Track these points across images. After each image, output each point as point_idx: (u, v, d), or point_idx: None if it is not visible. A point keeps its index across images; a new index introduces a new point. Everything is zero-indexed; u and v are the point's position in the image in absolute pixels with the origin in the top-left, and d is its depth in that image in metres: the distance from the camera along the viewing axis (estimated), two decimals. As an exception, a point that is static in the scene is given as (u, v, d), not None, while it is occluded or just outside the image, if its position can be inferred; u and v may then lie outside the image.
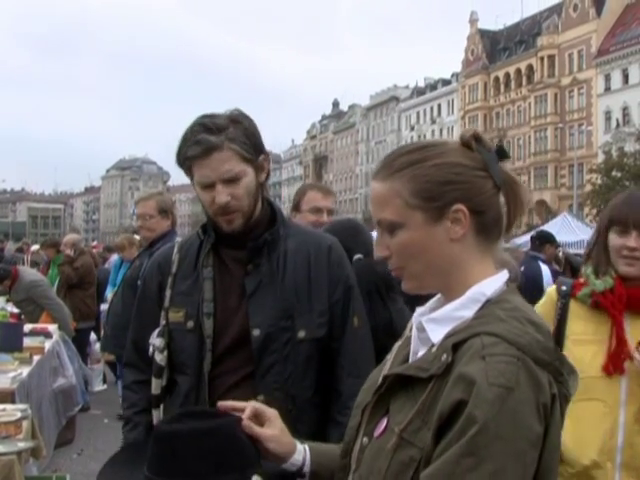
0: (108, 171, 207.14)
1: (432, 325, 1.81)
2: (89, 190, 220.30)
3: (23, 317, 9.57)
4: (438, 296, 1.93)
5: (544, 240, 10.27)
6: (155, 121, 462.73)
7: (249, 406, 2.08)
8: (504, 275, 1.86)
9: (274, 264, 2.86)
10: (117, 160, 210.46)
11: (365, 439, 1.86)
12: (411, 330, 1.97)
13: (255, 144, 2.80)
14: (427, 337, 1.81)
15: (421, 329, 1.84)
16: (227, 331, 2.83)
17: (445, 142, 1.88)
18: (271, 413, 2.11)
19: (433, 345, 1.78)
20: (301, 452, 2.12)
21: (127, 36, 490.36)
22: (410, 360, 1.89)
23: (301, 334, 2.80)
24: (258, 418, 2.08)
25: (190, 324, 2.85)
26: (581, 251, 25.03)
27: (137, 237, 12.06)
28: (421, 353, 1.84)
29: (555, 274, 9.51)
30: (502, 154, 1.88)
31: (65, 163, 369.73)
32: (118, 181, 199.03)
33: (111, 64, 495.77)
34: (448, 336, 1.74)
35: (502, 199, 1.85)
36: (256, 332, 2.77)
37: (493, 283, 1.82)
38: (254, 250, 2.85)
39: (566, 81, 79.35)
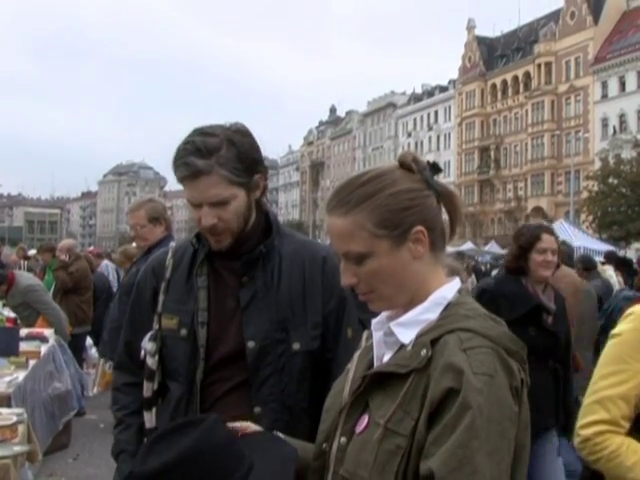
0: (105, 176, 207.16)
1: (400, 329, 1.98)
2: (86, 195, 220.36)
3: (19, 322, 9.57)
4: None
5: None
6: (152, 126, 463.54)
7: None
8: (458, 282, 2.06)
9: (269, 276, 2.85)
10: (114, 165, 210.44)
11: (343, 439, 2.00)
12: (368, 339, 2.17)
13: (249, 165, 2.75)
14: (395, 340, 1.99)
15: (389, 333, 2.00)
16: (221, 341, 2.82)
17: (390, 169, 2.03)
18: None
19: (403, 346, 1.95)
20: None
21: (124, 42, 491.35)
22: (375, 365, 2.05)
23: (296, 346, 2.80)
24: None
25: (183, 332, 2.85)
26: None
27: (134, 245, 12.12)
28: (388, 356, 2.01)
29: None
30: (436, 169, 2.04)
31: (62, 168, 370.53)
32: (115, 186, 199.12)
33: (108, 69, 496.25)
34: (419, 336, 1.92)
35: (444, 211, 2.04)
36: (251, 344, 2.77)
37: (452, 288, 2.02)
38: (249, 263, 2.84)
39: (563, 88, 79.53)
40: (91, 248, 24.55)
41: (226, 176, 2.69)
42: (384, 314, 2.10)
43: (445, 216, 2.07)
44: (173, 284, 2.94)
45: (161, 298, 2.94)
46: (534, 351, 5.20)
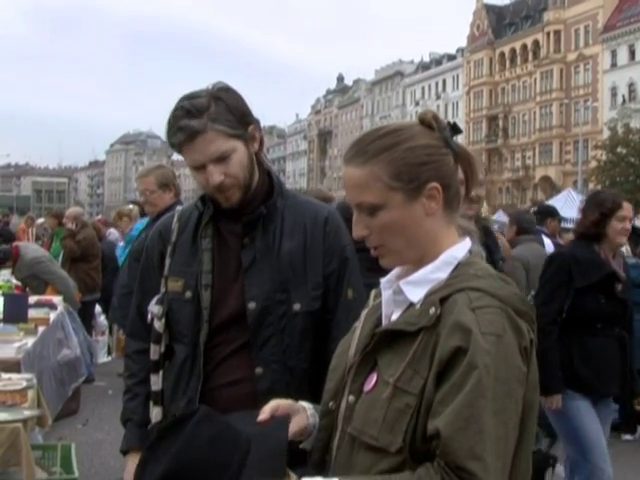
0: (112, 145, 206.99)
1: (409, 287, 1.99)
2: (93, 164, 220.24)
3: (28, 291, 9.63)
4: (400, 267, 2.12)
5: (546, 214, 10.23)
6: (159, 95, 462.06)
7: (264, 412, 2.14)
8: (469, 242, 2.07)
9: (270, 237, 2.86)
10: (121, 134, 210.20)
11: (351, 397, 2.02)
12: (376, 298, 2.19)
13: (241, 117, 2.77)
14: (404, 299, 2.00)
15: (398, 292, 2.02)
16: (224, 303, 2.84)
17: (410, 124, 2.05)
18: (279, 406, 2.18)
19: (412, 305, 1.97)
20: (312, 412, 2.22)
21: (134, 12, 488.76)
22: (384, 323, 2.07)
23: (296, 307, 2.81)
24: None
25: (188, 294, 2.87)
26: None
27: (131, 207, 12.17)
28: (396, 315, 2.03)
29: (558, 248, 9.56)
30: (456, 130, 2.06)
31: (69, 137, 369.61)
32: (122, 155, 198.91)
33: (117, 40, 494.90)
34: (428, 295, 1.94)
35: (460, 172, 2.05)
36: (252, 305, 2.79)
37: (462, 248, 2.03)
38: (249, 224, 2.85)
39: (572, 57, 79.06)
40: (99, 217, 24.56)
41: (221, 130, 2.71)
42: (394, 273, 2.12)
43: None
44: (179, 247, 2.97)
45: (167, 261, 2.97)
46: (602, 318, 5.27)
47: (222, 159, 2.74)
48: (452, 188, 2.02)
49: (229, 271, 2.87)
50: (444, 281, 1.96)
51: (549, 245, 9.39)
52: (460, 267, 1.99)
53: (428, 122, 2.02)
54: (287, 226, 2.88)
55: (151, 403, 2.98)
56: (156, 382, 2.97)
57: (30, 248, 10.97)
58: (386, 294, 2.10)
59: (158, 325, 2.94)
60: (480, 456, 1.73)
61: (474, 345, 1.78)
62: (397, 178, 1.96)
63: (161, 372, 2.97)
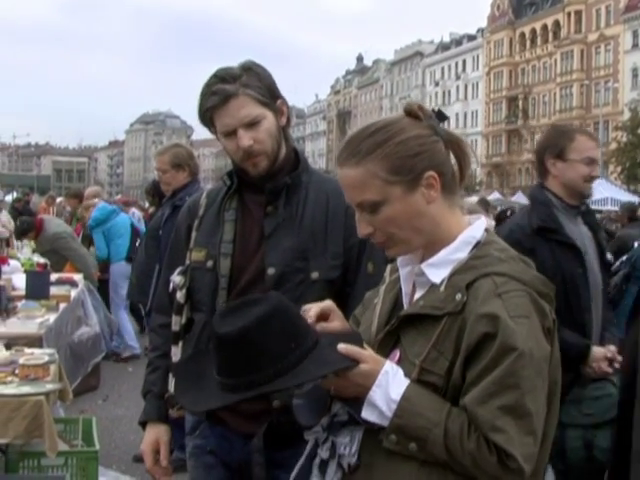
0: (132, 125, 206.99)
1: (431, 269, 2.06)
2: (113, 144, 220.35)
3: (49, 266, 9.73)
4: None
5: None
6: (179, 75, 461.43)
7: (314, 308, 2.20)
8: (484, 221, 2.14)
9: (293, 207, 2.92)
10: (141, 114, 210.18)
11: None
12: (392, 274, 2.26)
13: (270, 88, 2.88)
14: (427, 280, 2.06)
15: (420, 274, 2.07)
16: (244, 271, 2.90)
17: (397, 118, 2.10)
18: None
19: (434, 285, 2.03)
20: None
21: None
22: (404, 300, 2.15)
23: (314, 275, 2.85)
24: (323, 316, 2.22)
25: (210, 263, 2.95)
26: (605, 208, 24.95)
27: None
28: (419, 293, 2.09)
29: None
30: (441, 116, 2.12)
31: (89, 117, 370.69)
32: (142, 135, 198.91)
33: (137, 19, 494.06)
34: (452, 275, 2.00)
35: (452, 156, 2.11)
36: (271, 271, 2.85)
37: (479, 227, 2.10)
38: (273, 192, 2.92)
39: (593, 37, 78.29)
40: (118, 197, 24.66)
41: (253, 95, 2.81)
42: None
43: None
44: (205, 220, 3.05)
45: (193, 235, 3.06)
46: None
47: (252, 124, 2.83)
48: (447, 173, 2.07)
49: (251, 240, 2.93)
50: (465, 260, 2.03)
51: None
52: (480, 247, 2.06)
53: (414, 113, 2.08)
54: (310, 199, 2.94)
55: (170, 374, 3.02)
56: (176, 353, 3.03)
57: (54, 223, 11.09)
58: (404, 271, 2.17)
59: (179, 295, 3.00)
60: (502, 428, 1.82)
61: (503, 329, 1.85)
62: (394, 172, 2.01)
63: (181, 343, 3.03)
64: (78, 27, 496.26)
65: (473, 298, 1.93)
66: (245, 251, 2.94)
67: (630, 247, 9.61)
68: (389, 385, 1.95)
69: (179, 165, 6.59)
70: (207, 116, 2.89)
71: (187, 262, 3.03)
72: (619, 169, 56.41)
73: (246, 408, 2.72)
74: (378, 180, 2.02)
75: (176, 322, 3.04)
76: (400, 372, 1.98)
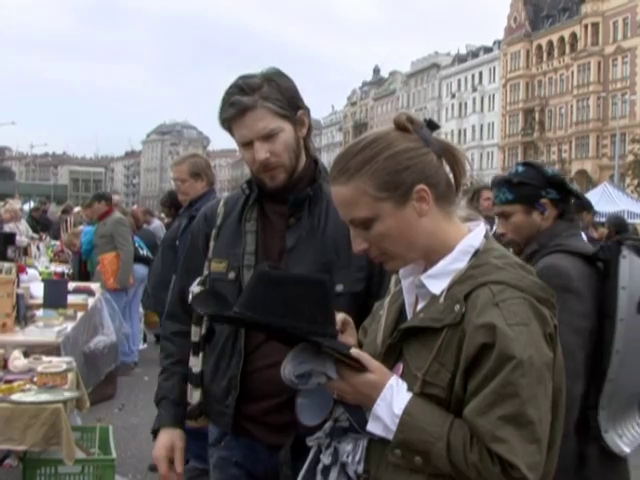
0: (148, 135, 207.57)
1: (431, 280, 2.06)
2: (129, 154, 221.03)
3: (67, 274, 9.80)
4: None
5: (581, 207, 10.22)
6: (196, 86, 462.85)
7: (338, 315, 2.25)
8: (483, 228, 2.13)
9: (315, 219, 2.90)
10: (157, 125, 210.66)
11: None
12: (396, 285, 2.27)
13: (291, 100, 2.87)
14: (427, 291, 2.06)
15: (420, 285, 2.08)
16: None
17: (386, 132, 2.09)
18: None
19: (435, 296, 2.03)
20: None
21: (172, 4, 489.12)
22: (408, 311, 2.16)
23: (339, 288, 2.81)
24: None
25: (232, 275, 2.92)
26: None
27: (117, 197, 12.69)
28: (422, 304, 2.09)
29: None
30: (432, 126, 2.11)
31: (106, 127, 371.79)
32: (158, 145, 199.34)
33: (153, 29, 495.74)
34: (451, 286, 2.00)
35: (446, 166, 2.10)
36: None
37: (478, 235, 2.09)
38: (296, 204, 2.91)
39: (610, 49, 78.05)
40: (135, 207, 24.71)
41: (271, 108, 2.80)
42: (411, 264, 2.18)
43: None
44: (224, 230, 3.03)
45: (212, 244, 3.03)
46: None
47: (269, 137, 2.81)
48: (440, 185, 2.07)
49: (273, 252, 2.92)
50: (464, 270, 2.02)
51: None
52: (479, 255, 2.05)
53: (403, 125, 2.08)
54: (331, 210, 2.86)
55: (189, 386, 3.01)
56: (196, 364, 3.01)
57: (120, 209, 11.43)
58: (406, 282, 2.18)
59: None
60: (503, 439, 1.82)
61: (501, 338, 1.85)
62: (383, 188, 2.01)
63: (201, 354, 3.00)
64: (97, 37, 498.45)
65: (471, 308, 1.93)
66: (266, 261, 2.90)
67: None
68: (393, 399, 1.96)
69: (198, 174, 6.60)
70: (225, 125, 2.89)
71: (205, 272, 3.02)
72: (636, 182, 56.20)
73: (273, 420, 2.75)
74: (368, 197, 2.02)
75: (196, 333, 3.02)
76: (404, 386, 1.98)
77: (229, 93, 2.84)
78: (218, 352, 2.95)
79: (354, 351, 2.01)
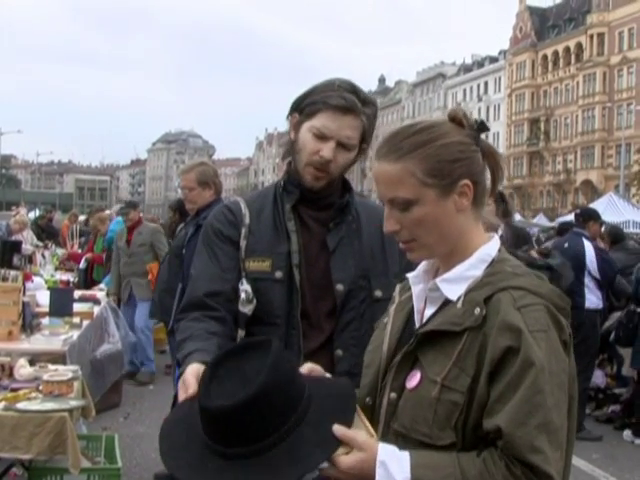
0: (154, 144, 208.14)
1: (446, 285, 2.04)
2: (135, 163, 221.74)
3: (73, 283, 9.80)
4: (427, 261, 2.17)
5: (588, 217, 10.20)
6: (202, 95, 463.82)
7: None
8: (497, 240, 2.12)
9: (351, 225, 2.93)
10: (163, 133, 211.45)
11: (393, 394, 2.07)
12: (402, 294, 2.26)
13: (370, 132, 2.94)
14: (440, 295, 2.05)
15: (434, 289, 2.06)
16: (311, 285, 2.89)
17: (442, 122, 2.09)
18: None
19: (449, 302, 2.02)
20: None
21: (179, 14, 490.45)
22: (416, 318, 2.13)
23: (378, 293, 2.86)
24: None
25: (279, 274, 2.86)
26: (627, 231, 24.79)
27: (108, 212, 12.80)
28: (430, 310, 2.08)
29: (599, 251, 9.61)
30: (483, 127, 2.10)
31: (111, 136, 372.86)
32: (164, 154, 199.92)
33: (159, 39, 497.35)
34: (467, 293, 1.99)
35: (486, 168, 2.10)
36: (339, 287, 2.84)
37: (494, 245, 2.09)
38: (338, 209, 2.94)
39: (616, 60, 78.04)
40: (141, 215, 24.75)
41: (364, 127, 2.87)
42: (421, 268, 2.18)
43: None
44: (257, 229, 2.95)
45: (243, 243, 2.94)
46: None
47: (344, 146, 2.85)
48: (481, 185, 2.07)
49: (313, 253, 2.91)
50: (480, 278, 2.01)
51: (589, 248, 9.45)
52: (494, 264, 2.04)
53: (459, 120, 2.07)
54: (363, 220, 2.96)
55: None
56: None
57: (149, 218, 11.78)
58: (416, 289, 2.16)
59: (249, 308, 2.87)
60: (540, 449, 1.80)
61: (525, 343, 1.84)
62: (431, 174, 1.99)
63: None
64: (103, 46, 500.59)
65: (494, 312, 1.91)
66: (308, 264, 2.90)
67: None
68: (390, 474, 1.90)
69: (206, 183, 6.58)
70: (314, 106, 2.86)
71: (243, 273, 2.91)
72: (641, 192, 56.21)
73: None
74: (414, 179, 2.00)
75: (239, 337, 2.89)
76: (393, 450, 1.93)
77: (342, 86, 2.86)
78: None
79: (337, 429, 1.94)
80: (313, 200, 2.94)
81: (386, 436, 2.05)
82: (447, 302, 2.04)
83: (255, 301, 2.87)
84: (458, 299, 2.00)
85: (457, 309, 1.98)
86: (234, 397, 1.91)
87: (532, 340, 1.85)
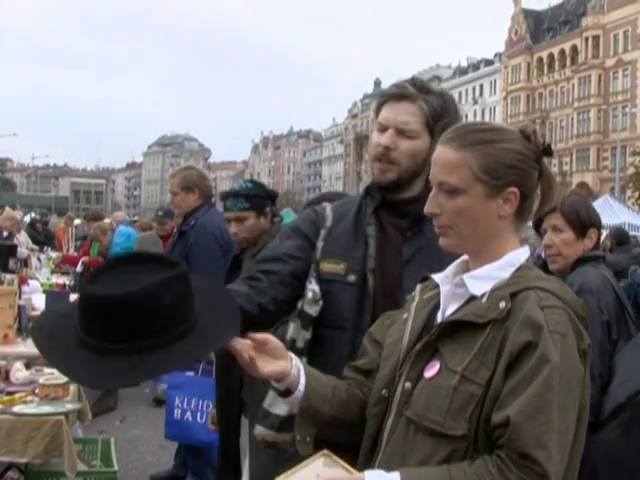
0: (150, 147, 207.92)
1: (472, 281, 2.09)
2: (131, 166, 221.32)
3: (69, 286, 9.79)
4: (458, 262, 2.22)
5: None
6: (197, 98, 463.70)
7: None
8: (527, 249, 2.16)
9: (428, 235, 2.76)
10: (159, 136, 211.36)
11: (408, 384, 2.10)
12: (423, 293, 2.29)
13: (436, 119, 2.83)
14: (465, 292, 2.10)
15: (460, 285, 2.11)
16: (382, 291, 2.83)
17: (511, 129, 2.16)
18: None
19: (473, 298, 2.06)
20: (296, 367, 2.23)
21: (173, 16, 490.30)
22: (439, 315, 2.16)
23: None
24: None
25: (352, 277, 2.82)
26: (621, 234, 24.78)
27: (107, 221, 12.61)
28: (452, 308, 2.12)
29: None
30: (548, 152, 2.16)
31: (107, 139, 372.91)
32: (159, 157, 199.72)
33: (155, 43, 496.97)
34: (493, 291, 2.03)
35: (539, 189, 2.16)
36: (407, 298, 2.72)
37: (524, 253, 2.13)
38: (417, 218, 2.82)
39: (611, 62, 78.12)
40: (136, 218, 24.79)
41: (424, 111, 2.82)
42: (450, 269, 2.22)
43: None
44: (336, 232, 2.93)
45: (320, 244, 2.93)
46: None
47: (403, 133, 2.83)
48: (529, 199, 2.13)
49: (388, 261, 2.86)
50: (506, 279, 2.06)
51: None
52: (522, 269, 2.09)
53: (528, 134, 2.14)
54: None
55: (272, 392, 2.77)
56: None
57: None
58: (444, 289, 2.20)
59: (316, 308, 2.84)
60: (545, 445, 1.82)
61: (544, 341, 1.88)
62: (485, 172, 2.06)
63: (305, 360, 2.65)
64: (98, 49, 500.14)
65: (518, 308, 1.95)
66: (383, 271, 2.85)
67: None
68: None
69: (189, 187, 6.57)
70: (380, 102, 2.92)
71: (314, 274, 2.88)
72: (636, 194, 56.18)
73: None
74: (469, 171, 2.07)
75: (303, 338, 2.85)
76: (381, 473, 1.95)
77: (403, 80, 2.89)
78: (337, 359, 2.65)
79: (326, 476, 1.98)
80: (394, 207, 2.91)
81: (396, 425, 2.10)
82: (471, 299, 2.08)
83: (322, 302, 2.83)
84: (482, 295, 2.04)
85: (482, 303, 2.03)
86: (122, 290, 1.91)
87: (550, 339, 1.88)
